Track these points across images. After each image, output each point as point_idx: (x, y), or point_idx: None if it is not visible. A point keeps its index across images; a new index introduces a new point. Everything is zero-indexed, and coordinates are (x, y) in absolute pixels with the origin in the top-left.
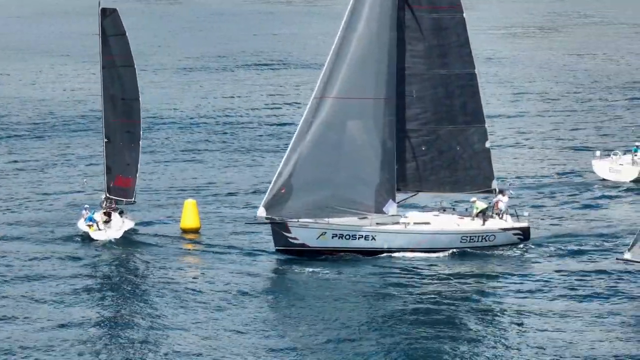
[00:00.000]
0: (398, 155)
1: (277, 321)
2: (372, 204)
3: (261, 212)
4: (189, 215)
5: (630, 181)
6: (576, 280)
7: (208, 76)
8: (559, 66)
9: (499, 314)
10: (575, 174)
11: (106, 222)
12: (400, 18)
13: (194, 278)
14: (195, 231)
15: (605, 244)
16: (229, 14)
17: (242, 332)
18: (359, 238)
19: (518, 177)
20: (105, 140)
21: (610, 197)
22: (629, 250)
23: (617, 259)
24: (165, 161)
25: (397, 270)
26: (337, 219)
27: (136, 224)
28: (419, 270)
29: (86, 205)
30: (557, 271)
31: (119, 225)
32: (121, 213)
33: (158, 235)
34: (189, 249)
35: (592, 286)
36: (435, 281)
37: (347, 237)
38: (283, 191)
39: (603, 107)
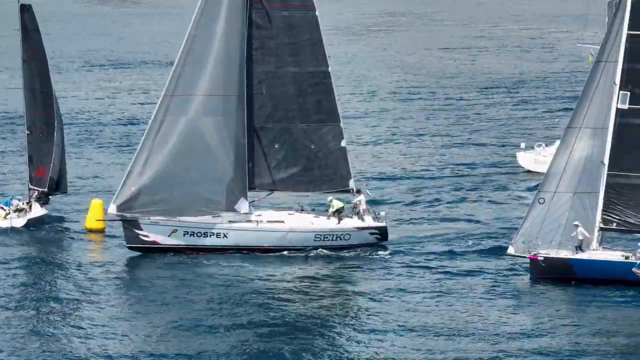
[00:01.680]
0: (251, 154)
1: (139, 314)
2: (223, 202)
3: (112, 210)
4: (95, 215)
5: None
6: (441, 276)
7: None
8: (410, 64)
9: (351, 309)
10: (500, 167)
11: (20, 210)
12: (250, 15)
13: (82, 273)
14: (100, 231)
15: (501, 238)
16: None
17: (105, 325)
18: (210, 236)
19: (415, 173)
20: (27, 132)
21: (528, 190)
22: (512, 245)
23: (502, 254)
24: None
25: (250, 268)
26: (189, 217)
27: (43, 222)
28: (271, 269)
29: (19, 197)
30: (429, 268)
31: (30, 215)
32: (44, 204)
33: (62, 231)
34: (88, 246)
35: (458, 279)
36: (288, 279)
37: (199, 234)
38: (134, 189)
39: (461, 102)
